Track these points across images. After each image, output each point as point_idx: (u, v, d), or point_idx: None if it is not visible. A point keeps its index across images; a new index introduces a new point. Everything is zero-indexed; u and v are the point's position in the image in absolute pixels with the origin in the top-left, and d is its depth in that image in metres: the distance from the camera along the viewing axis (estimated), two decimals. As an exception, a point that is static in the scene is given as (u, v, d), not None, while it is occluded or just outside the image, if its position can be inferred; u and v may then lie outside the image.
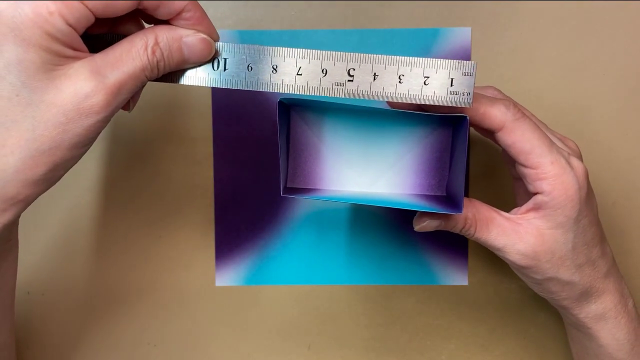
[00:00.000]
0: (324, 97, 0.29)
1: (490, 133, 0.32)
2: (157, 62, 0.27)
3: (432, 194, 0.34)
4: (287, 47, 0.42)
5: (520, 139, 0.31)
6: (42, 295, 0.43)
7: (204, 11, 0.28)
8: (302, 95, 0.29)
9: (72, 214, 0.42)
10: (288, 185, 0.34)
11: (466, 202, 0.32)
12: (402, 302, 0.43)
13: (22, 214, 0.42)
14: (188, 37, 0.28)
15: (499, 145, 0.32)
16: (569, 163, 0.31)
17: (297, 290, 0.43)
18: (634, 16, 0.41)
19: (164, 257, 0.42)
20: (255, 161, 0.42)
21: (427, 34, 0.41)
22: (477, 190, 0.42)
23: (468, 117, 0.29)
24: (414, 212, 0.33)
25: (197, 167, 0.42)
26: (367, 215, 0.42)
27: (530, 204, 0.32)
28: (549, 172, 0.30)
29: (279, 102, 0.30)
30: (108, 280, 0.43)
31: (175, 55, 0.28)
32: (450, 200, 0.33)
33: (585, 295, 0.33)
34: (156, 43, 0.27)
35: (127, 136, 0.42)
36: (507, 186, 0.42)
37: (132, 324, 0.43)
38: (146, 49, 0.27)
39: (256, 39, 0.41)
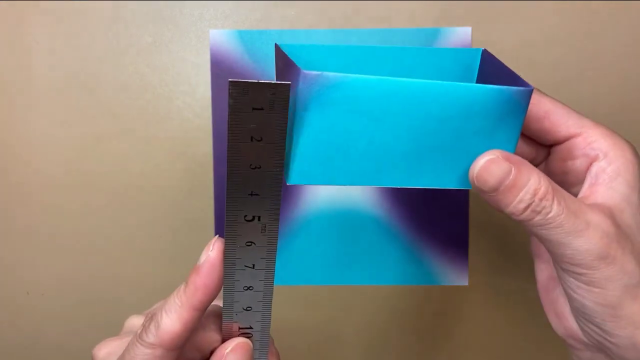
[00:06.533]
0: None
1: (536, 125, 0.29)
2: None
3: None
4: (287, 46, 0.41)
5: (559, 111, 0.29)
6: (42, 295, 0.43)
7: None
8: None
9: (72, 214, 0.42)
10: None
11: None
12: (402, 302, 0.43)
13: (22, 214, 0.42)
14: None
15: (536, 133, 0.29)
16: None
17: (297, 290, 0.43)
18: (634, 16, 0.41)
19: (164, 257, 0.42)
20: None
21: (427, 34, 0.41)
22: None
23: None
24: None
25: (197, 166, 0.42)
26: (367, 215, 0.42)
27: (587, 181, 0.27)
28: (597, 134, 0.28)
29: (275, 46, 0.27)
30: (108, 280, 0.43)
31: None
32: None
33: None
34: None
35: (128, 136, 0.42)
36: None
37: (132, 324, 0.43)
38: None
39: (256, 38, 0.41)
